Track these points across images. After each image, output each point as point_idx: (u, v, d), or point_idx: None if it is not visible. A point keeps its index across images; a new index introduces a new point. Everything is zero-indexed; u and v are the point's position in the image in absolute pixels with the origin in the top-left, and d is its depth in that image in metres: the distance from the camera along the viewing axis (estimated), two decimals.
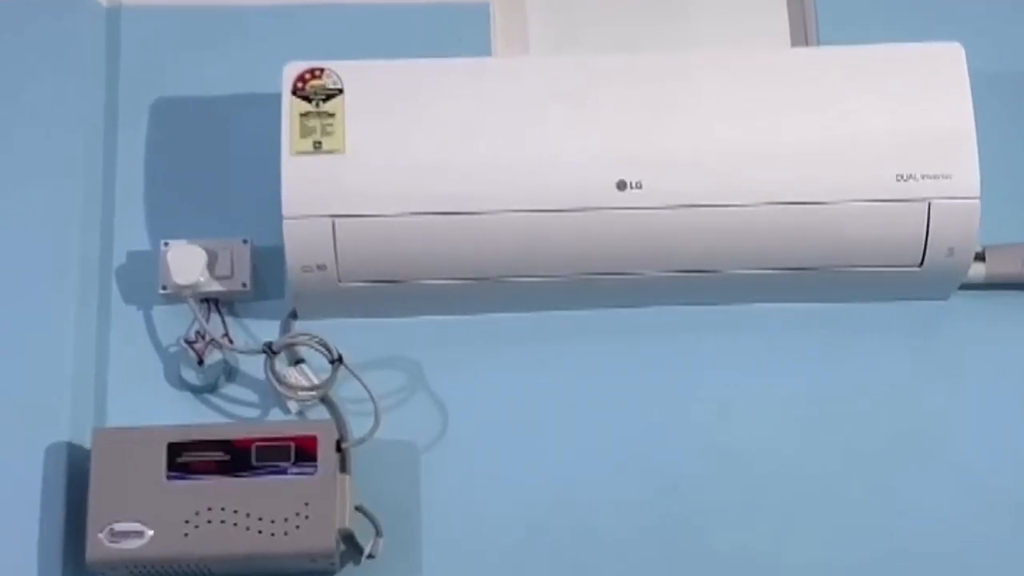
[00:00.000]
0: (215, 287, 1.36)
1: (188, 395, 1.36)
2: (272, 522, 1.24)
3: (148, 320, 1.38)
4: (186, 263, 1.34)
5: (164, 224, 1.40)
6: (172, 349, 1.37)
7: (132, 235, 1.40)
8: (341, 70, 1.32)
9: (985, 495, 1.34)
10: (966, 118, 1.30)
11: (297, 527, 1.24)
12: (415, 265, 1.31)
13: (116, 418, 1.34)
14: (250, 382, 1.36)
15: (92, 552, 1.23)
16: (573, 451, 1.35)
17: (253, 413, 1.36)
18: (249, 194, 1.39)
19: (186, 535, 1.23)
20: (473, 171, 1.29)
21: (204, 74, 1.45)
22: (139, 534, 1.24)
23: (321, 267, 1.30)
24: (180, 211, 1.41)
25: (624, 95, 1.31)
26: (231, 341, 1.36)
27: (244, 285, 1.36)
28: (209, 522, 1.24)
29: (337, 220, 1.29)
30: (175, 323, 1.37)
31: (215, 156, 1.43)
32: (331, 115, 1.30)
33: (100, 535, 1.23)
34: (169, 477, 1.25)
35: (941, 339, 1.39)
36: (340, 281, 1.31)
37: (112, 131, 1.43)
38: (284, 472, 1.26)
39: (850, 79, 1.32)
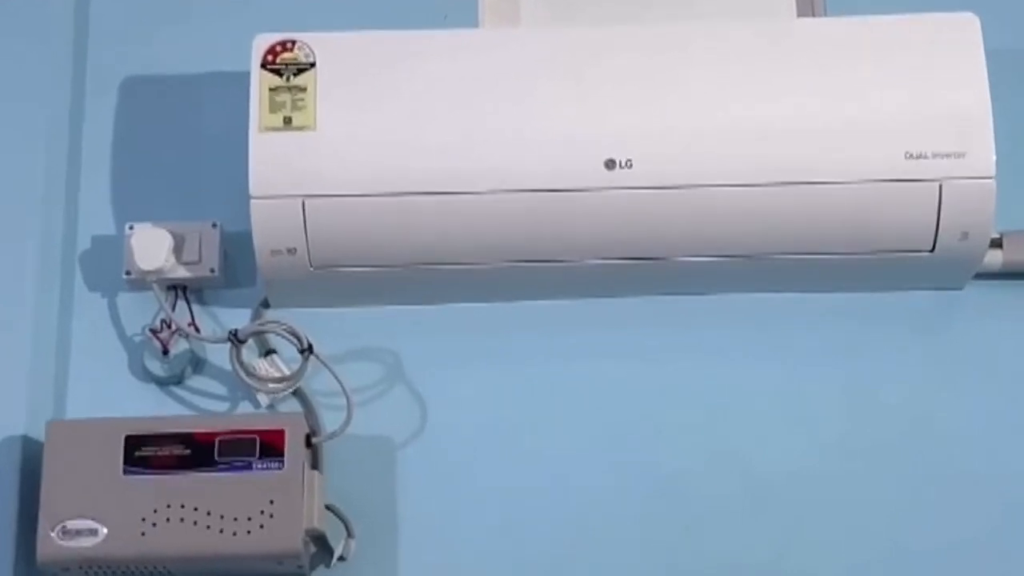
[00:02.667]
0: (182, 273, 1.28)
1: (153, 387, 1.29)
2: (235, 521, 1.16)
3: (112, 308, 1.31)
4: (151, 247, 1.27)
5: (131, 207, 1.33)
6: (137, 338, 1.30)
7: (97, 218, 1.33)
8: (314, 42, 1.25)
9: (1000, 497, 1.25)
10: (981, 93, 1.22)
11: (262, 526, 1.16)
12: (391, 249, 1.23)
13: (76, 411, 1.27)
14: (218, 374, 1.29)
15: (43, 551, 1.16)
16: (560, 449, 1.27)
17: (221, 406, 1.28)
18: (222, 176, 1.32)
19: (143, 534, 1.16)
20: (453, 149, 1.22)
21: (175, 51, 1.38)
22: (93, 532, 1.16)
23: (291, 251, 1.23)
24: (148, 193, 1.34)
25: (615, 68, 1.23)
26: (198, 330, 1.29)
27: (213, 271, 1.29)
28: (168, 520, 1.16)
29: (307, 200, 1.21)
30: (141, 311, 1.30)
31: (186, 136, 1.36)
32: (302, 89, 1.23)
33: (52, 533, 1.16)
34: (126, 472, 1.18)
35: (955, 331, 1.30)
36: (312, 266, 1.24)
37: (78, 109, 1.36)
38: (249, 468, 1.18)
39: (858, 51, 1.23)
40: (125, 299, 1.31)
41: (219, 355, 1.28)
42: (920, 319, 1.31)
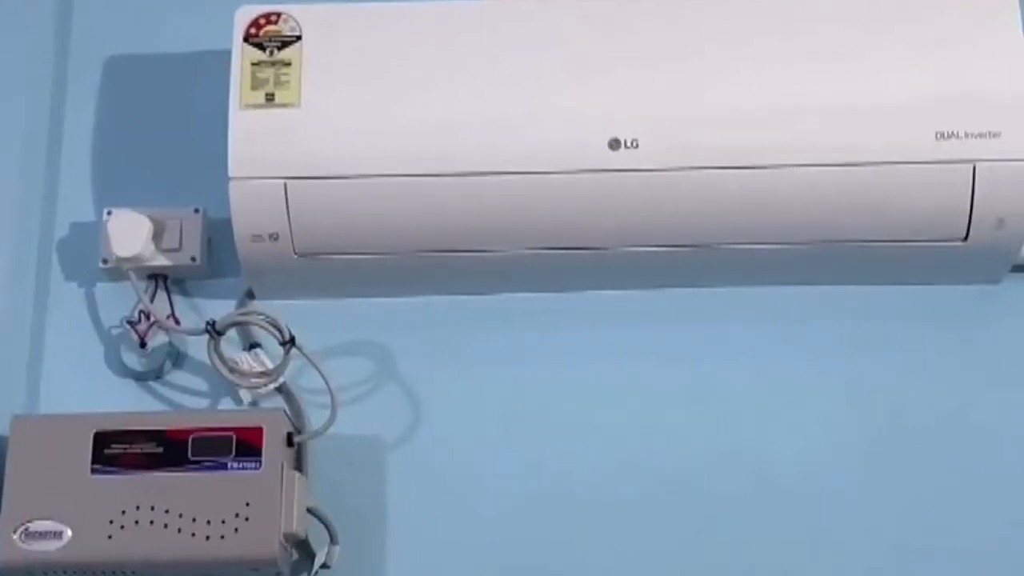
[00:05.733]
0: (161, 261, 1.21)
1: (130, 382, 1.21)
2: (208, 523, 1.09)
3: (89, 298, 1.24)
4: (128, 233, 1.20)
5: (112, 191, 1.27)
6: (115, 331, 1.23)
7: (76, 203, 1.27)
8: (300, 15, 1.17)
9: None
10: (1019, 68, 1.12)
11: (236, 530, 1.09)
12: (380, 236, 1.15)
13: (49, 405, 1.21)
14: (199, 368, 1.21)
15: (3, 554, 1.08)
16: (562, 451, 1.18)
17: (201, 403, 1.21)
18: (207, 160, 1.23)
19: (110, 537, 1.08)
20: (446, 128, 1.14)
21: (162, 29, 1.31)
22: (58, 535, 1.09)
23: (273, 236, 1.15)
24: (130, 178, 1.27)
25: (620, 41, 1.15)
26: (177, 322, 1.21)
27: (194, 259, 1.21)
28: (137, 522, 1.09)
29: (289, 183, 1.13)
30: (119, 301, 1.23)
31: (171, 118, 1.29)
32: (286, 64, 1.16)
33: (13, 535, 1.09)
34: (94, 471, 1.10)
35: (991, 328, 1.21)
36: (296, 253, 1.16)
37: (60, 91, 1.30)
38: (224, 467, 1.10)
39: (884, 22, 1.14)
40: (103, 289, 1.24)
41: (200, 349, 1.20)
42: (953, 315, 1.21)
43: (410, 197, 1.14)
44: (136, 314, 1.21)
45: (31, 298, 1.24)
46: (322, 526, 1.14)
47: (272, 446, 1.11)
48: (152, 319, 1.20)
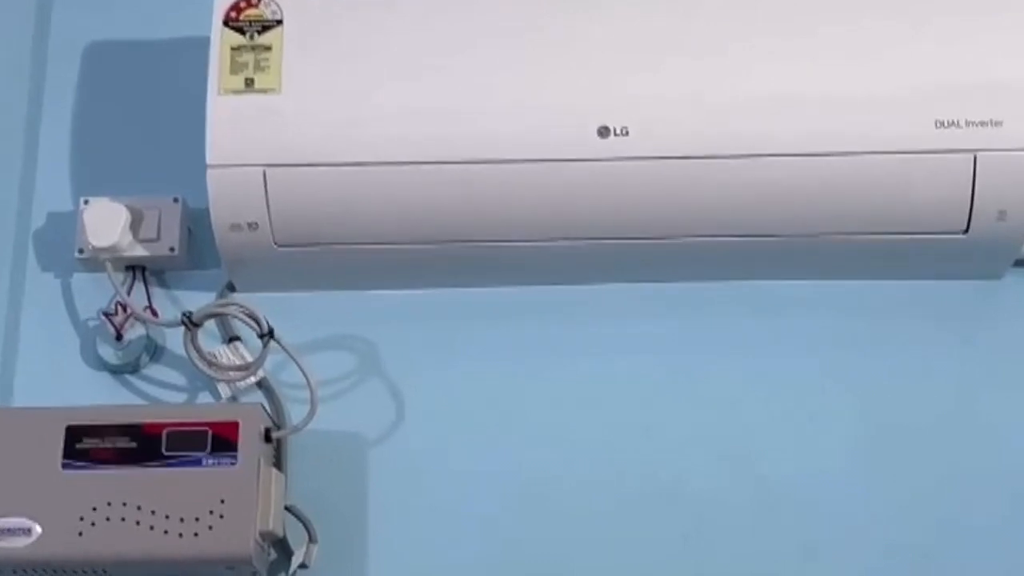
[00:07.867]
0: (139, 251, 1.18)
1: (106, 375, 1.18)
2: (181, 521, 1.05)
3: (66, 289, 1.21)
4: (105, 223, 1.16)
5: (91, 180, 1.24)
6: (91, 323, 1.20)
7: (54, 192, 1.23)
8: None
9: None
10: (1020, 55, 1.09)
11: (210, 527, 1.05)
12: (362, 226, 1.12)
13: (23, 399, 1.17)
14: (177, 362, 1.18)
15: None
16: (550, 450, 1.14)
17: (179, 397, 1.18)
18: (188, 148, 1.19)
19: (81, 534, 1.05)
20: (430, 115, 1.10)
21: (143, 14, 1.29)
22: (27, 531, 1.06)
23: (252, 225, 1.12)
24: (108, 166, 1.24)
25: (610, 26, 1.11)
26: (155, 314, 1.18)
27: (172, 250, 1.18)
28: (108, 519, 1.05)
29: (269, 170, 1.10)
30: (96, 293, 1.20)
31: (151, 105, 1.26)
32: (267, 48, 1.12)
33: None
34: (65, 466, 1.07)
35: (992, 325, 1.17)
36: (276, 243, 1.13)
37: (38, 77, 1.27)
38: (198, 463, 1.07)
39: (881, 6, 1.11)
40: (80, 280, 1.21)
41: (179, 342, 1.17)
42: (953, 311, 1.18)
43: (393, 186, 1.10)
44: (113, 306, 1.18)
45: (6, 289, 1.21)
46: (301, 524, 1.11)
47: (248, 441, 1.08)
48: (129, 311, 1.17)
